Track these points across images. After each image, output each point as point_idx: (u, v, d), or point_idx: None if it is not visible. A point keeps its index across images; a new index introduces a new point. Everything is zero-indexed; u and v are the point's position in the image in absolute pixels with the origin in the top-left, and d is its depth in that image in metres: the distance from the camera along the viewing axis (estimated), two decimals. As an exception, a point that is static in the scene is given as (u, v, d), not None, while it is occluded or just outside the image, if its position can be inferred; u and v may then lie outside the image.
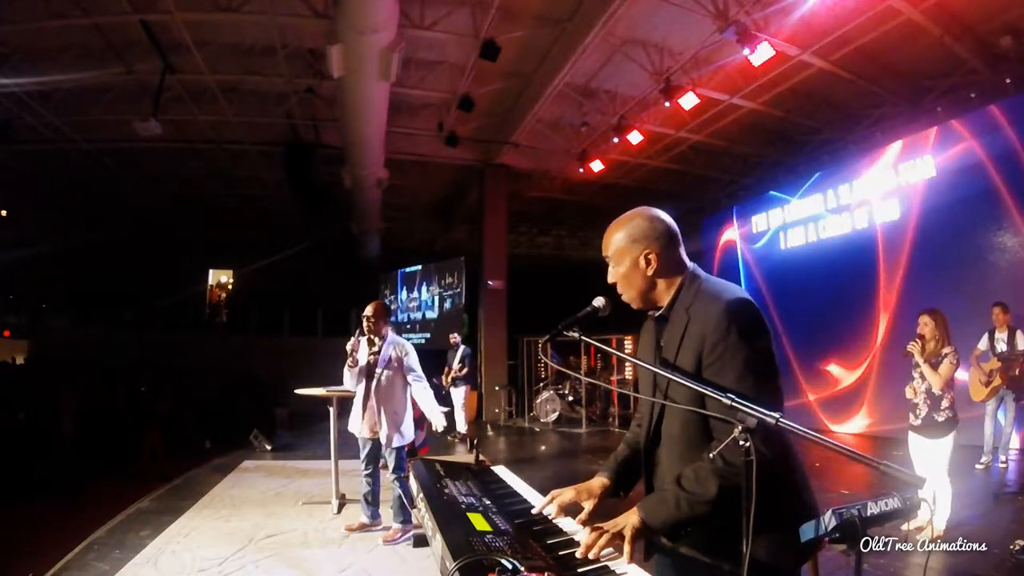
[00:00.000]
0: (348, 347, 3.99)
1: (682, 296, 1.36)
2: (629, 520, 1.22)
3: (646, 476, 1.44)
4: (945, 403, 3.56)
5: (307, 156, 10.07)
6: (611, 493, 1.48)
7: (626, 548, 1.17)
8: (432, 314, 13.92)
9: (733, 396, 1.10)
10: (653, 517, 1.23)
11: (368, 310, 3.98)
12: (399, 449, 3.95)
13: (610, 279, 1.43)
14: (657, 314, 1.42)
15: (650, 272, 1.37)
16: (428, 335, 13.93)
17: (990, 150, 6.85)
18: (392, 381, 3.94)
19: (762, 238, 10.52)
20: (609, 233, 1.42)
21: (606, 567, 1.15)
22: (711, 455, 1.17)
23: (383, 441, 3.90)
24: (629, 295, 1.41)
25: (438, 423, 4.02)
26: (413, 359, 4.00)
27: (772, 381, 1.26)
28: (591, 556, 1.17)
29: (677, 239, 1.40)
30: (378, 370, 3.92)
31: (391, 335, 4.04)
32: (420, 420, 5.67)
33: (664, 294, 1.39)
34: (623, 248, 1.39)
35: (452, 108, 8.92)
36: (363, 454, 4.02)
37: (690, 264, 1.41)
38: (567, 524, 1.39)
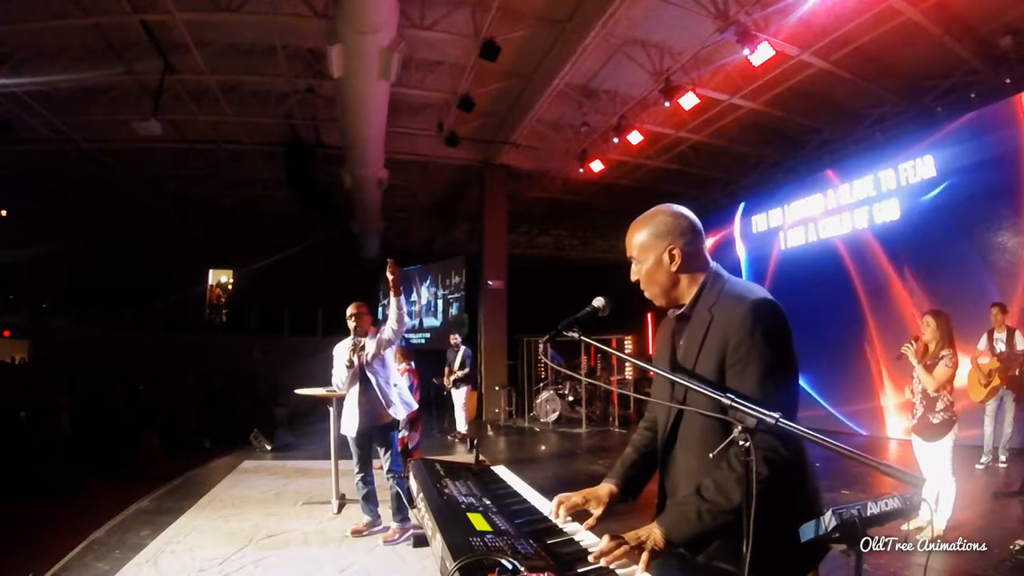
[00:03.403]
0: (347, 350, 4.01)
1: (705, 295, 1.36)
2: (652, 535, 1.19)
3: (661, 476, 1.43)
4: (941, 405, 3.54)
5: (307, 156, 10.07)
6: (619, 500, 1.46)
7: (644, 557, 1.15)
8: (435, 321, 13.78)
9: (732, 396, 1.10)
10: (676, 532, 1.19)
11: (351, 309, 4.04)
12: (393, 439, 3.99)
13: (633, 276, 1.43)
14: (678, 312, 1.41)
15: (674, 268, 1.36)
16: (428, 335, 13.90)
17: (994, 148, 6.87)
18: (382, 364, 4.01)
19: (762, 238, 10.53)
20: (632, 231, 1.42)
21: (607, 567, 1.15)
22: (722, 457, 1.16)
23: (393, 414, 3.94)
24: (652, 292, 1.41)
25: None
26: (385, 332, 3.99)
27: (794, 383, 1.26)
28: (602, 563, 1.14)
29: (701, 236, 1.40)
30: (368, 362, 3.96)
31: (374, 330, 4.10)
32: (415, 422, 5.67)
33: (687, 291, 1.38)
34: (647, 244, 1.38)
35: (452, 108, 8.92)
36: (355, 457, 4.01)
37: (713, 263, 1.41)
38: (568, 525, 1.38)
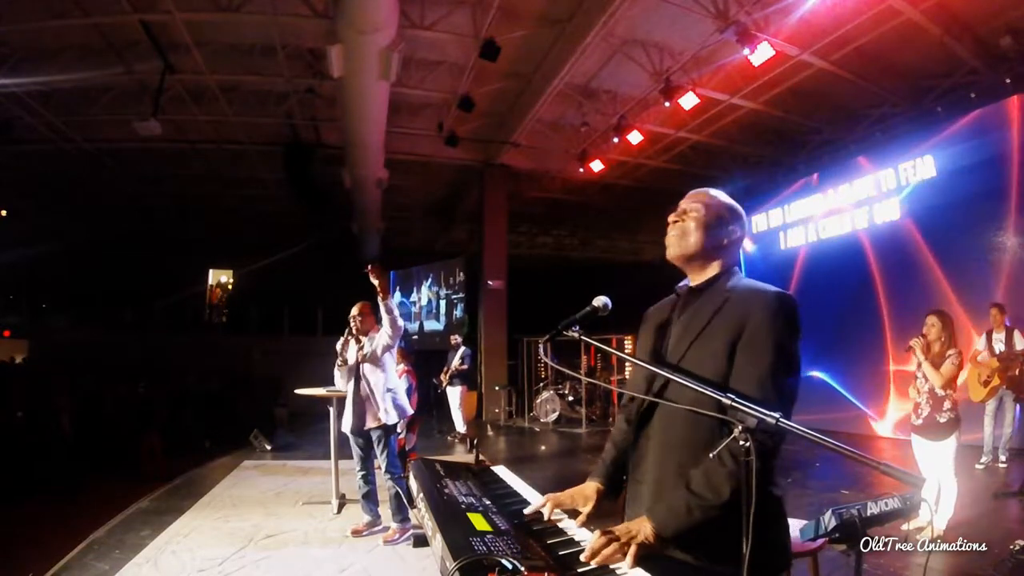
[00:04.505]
0: (337, 347, 4.05)
1: (723, 279, 1.39)
2: (642, 529, 1.20)
3: (632, 456, 1.43)
4: (948, 404, 3.54)
5: (307, 156, 10.07)
6: (604, 497, 1.47)
7: (632, 551, 1.15)
8: (437, 325, 13.62)
9: (733, 396, 1.10)
10: (665, 526, 1.20)
11: (354, 310, 4.04)
12: (391, 440, 3.97)
13: (676, 217, 1.44)
14: (691, 285, 1.43)
15: (725, 242, 1.41)
16: (434, 338, 13.80)
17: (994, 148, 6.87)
18: (377, 367, 3.97)
19: (762, 238, 10.54)
20: (714, 193, 1.46)
21: (606, 566, 1.15)
22: (716, 455, 1.15)
23: (384, 419, 3.89)
24: (686, 242, 1.41)
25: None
26: (381, 338, 3.94)
27: (798, 379, 1.26)
28: (594, 563, 1.14)
29: (743, 240, 1.49)
30: (363, 361, 3.95)
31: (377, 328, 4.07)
32: (412, 424, 5.68)
33: (708, 270, 1.41)
34: (721, 212, 1.42)
35: (452, 108, 8.92)
36: (355, 454, 4.03)
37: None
38: (567, 524, 1.38)
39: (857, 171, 8.69)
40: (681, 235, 1.42)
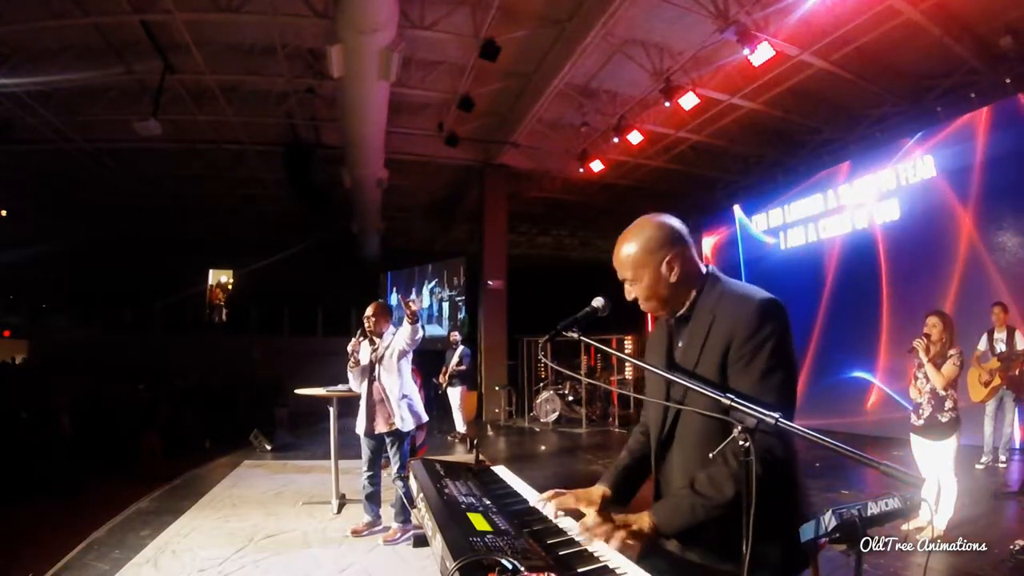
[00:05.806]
0: (349, 348, 4.02)
1: (704, 297, 1.35)
2: (641, 521, 1.21)
3: (656, 476, 1.43)
4: (949, 403, 3.55)
5: (307, 156, 10.07)
6: (611, 502, 1.47)
7: (620, 534, 1.17)
8: (440, 330, 13.42)
9: (732, 396, 1.10)
10: (667, 523, 1.22)
11: (368, 310, 4.02)
12: (404, 444, 3.95)
13: (629, 296, 1.39)
14: (678, 315, 1.39)
15: (673, 279, 1.34)
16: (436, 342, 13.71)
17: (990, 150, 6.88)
18: (391, 369, 3.92)
19: (762, 238, 10.53)
20: (622, 251, 1.38)
21: (606, 567, 1.15)
22: (718, 455, 1.16)
23: (400, 425, 3.85)
24: (652, 305, 1.38)
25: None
26: (398, 339, 3.92)
27: (794, 381, 1.27)
28: (584, 537, 1.17)
29: (690, 241, 1.39)
30: (376, 365, 3.92)
31: (391, 331, 4.05)
32: (422, 423, 5.67)
33: (685, 297, 1.38)
34: (642, 261, 1.35)
35: (452, 108, 8.91)
36: (365, 455, 4.01)
37: (709, 266, 1.40)
38: (567, 524, 1.38)
39: (857, 171, 8.68)
40: (648, 306, 1.39)
